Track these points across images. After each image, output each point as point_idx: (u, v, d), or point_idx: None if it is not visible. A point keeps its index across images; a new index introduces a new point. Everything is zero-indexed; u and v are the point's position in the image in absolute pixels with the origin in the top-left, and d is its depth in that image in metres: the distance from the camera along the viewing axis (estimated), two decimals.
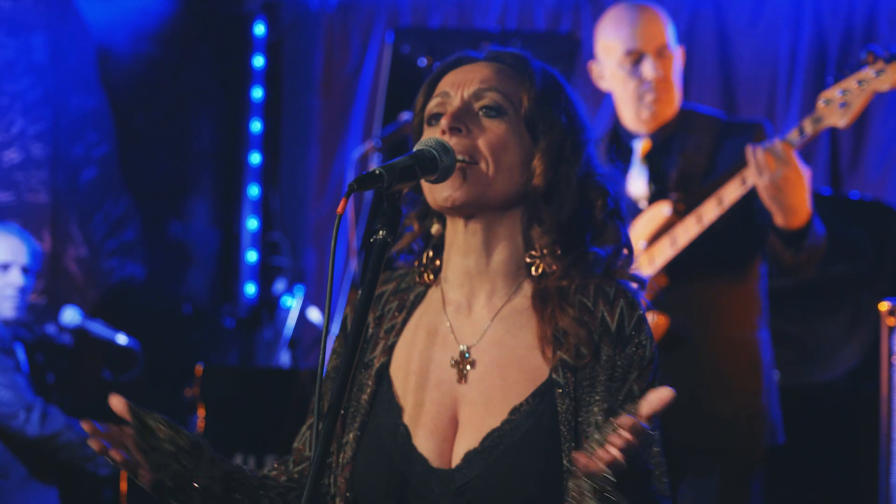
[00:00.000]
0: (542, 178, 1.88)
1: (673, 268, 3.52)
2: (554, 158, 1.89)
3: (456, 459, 1.84)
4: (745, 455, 3.53)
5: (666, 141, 3.61)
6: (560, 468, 1.78)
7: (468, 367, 1.88)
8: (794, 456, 4.12)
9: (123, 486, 4.68)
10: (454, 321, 1.92)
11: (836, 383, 4.63)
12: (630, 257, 1.95)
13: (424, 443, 1.86)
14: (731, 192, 3.44)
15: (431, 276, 1.97)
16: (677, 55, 3.64)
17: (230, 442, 4.79)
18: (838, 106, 3.29)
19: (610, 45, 3.65)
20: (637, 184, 3.65)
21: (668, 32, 3.62)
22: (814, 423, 4.45)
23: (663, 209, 3.55)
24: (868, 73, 3.29)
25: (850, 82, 3.30)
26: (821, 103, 3.32)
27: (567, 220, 1.89)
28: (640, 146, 3.65)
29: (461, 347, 1.90)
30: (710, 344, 3.51)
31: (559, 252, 1.89)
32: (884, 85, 3.28)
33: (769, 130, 3.56)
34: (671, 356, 3.50)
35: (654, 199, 3.60)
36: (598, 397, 1.82)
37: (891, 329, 3.69)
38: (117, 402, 1.86)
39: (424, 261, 1.97)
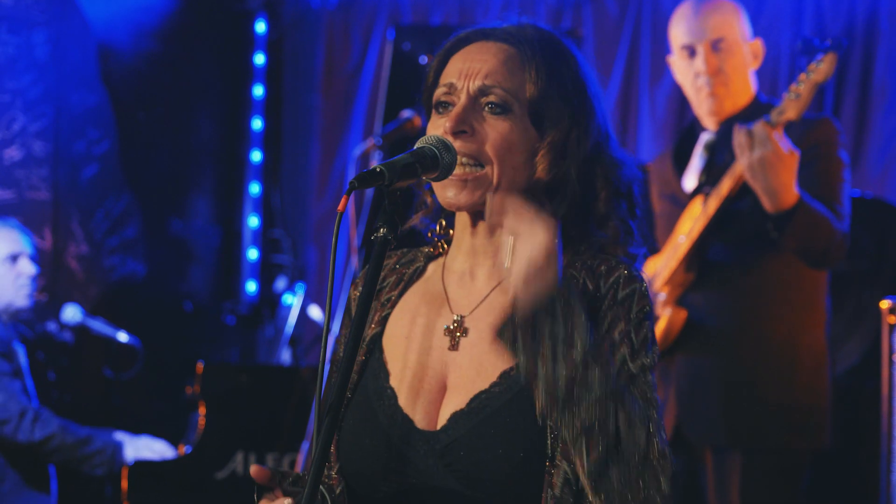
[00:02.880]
0: (545, 174, 1.88)
1: (711, 258, 3.54)
2: (558, 153, 1.88)
3: (442, 421, 1.84)
4: (799, 451, 3.53)
5: (728, 133, 3.62)
6: (546, 431, 1.78)
7: (460, 334, 1.89)
8: None
9: (124, 484, 4.68)
10: (453, 291, 1.94)
11: (837, 381, 4.62)
12: (629, 240, 1.93)
13: (410, 404, 1.86)
14: (725, 184, 3.46)
15: (445, 246, 1.99)
16: (746, 49, 3.64)
17: (231, 439, 4.79)
18: (794, 98, 3.32)
19: (672, 39, 3.72)
20: (691, 177, 3.68)
21: (733, 26, 3.62)
22: None
23: (699, 203, 3.58)
24: (813, 64, 3.32)
25: (804, 74, 3.34)
26: (785, 94, 3.36)
27: (565, 214, 1.89)
28: (705, 138, 3.67)
29: (455, 316, 1.90)
30: (751, 338, 3.52)
31: None
32: (820, 76, 3.32)
33: (837, 125, 3.57)
34: (723, 350, 3.52)
35: (697, 191, 3.62)
36: None
37: (891, 327, 3.69)
38: (257, 472, 1.80)
39: (439, 230, 1.98)
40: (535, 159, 1.88)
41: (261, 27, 6.65)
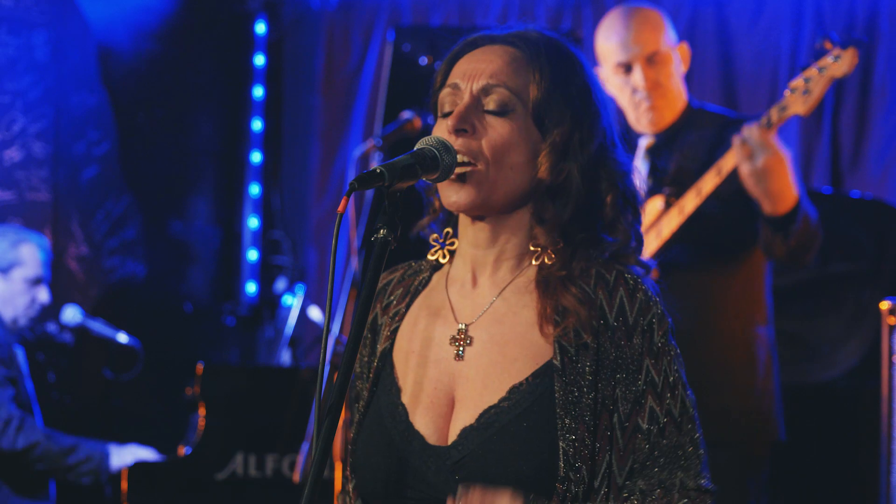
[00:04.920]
0: (547, 174, 1.87)
1: (671, 258, 3.54)
2: (560, 154, 1.88)
3: (452, 436, 1.84)
4: (740, 451, 3.54)
5: (669, 138, 3.62)
6: (556, 449, 1.78)
7: (466, 344, 1.89)
8: (794, 455, 4.13)
9: (124, 485, 4.68)
10: (455, 300, 1.94)
11: (837, 382, 4.63)
12: (639, 247, 1.94)
13: (421, 420, 1.87)
14: (708, 183, 3.47)
15: (446, 255, 1.99)
16: (676, 56, 3.63)
17: (231, 440, 4.79)
18: (801, 94, 3.32)
19: (603, 53, 3.67)
20: (636, 179, 3.68)
21: (663, 36, 3.60)
22: (814, 421, 4.45)
23: (657, 204, 3.58)
24: (827, 59, 3.31)
25: (812, 70, 3.33)
26: (787, 92, 3.36)
27: (570, 217, 1.89)
28: (644, 143, 3.67)
29: (460, 325, 1.90)
30: (708, 337, 3.52)
31: (560, 245, 1.88)
32: (839, 71, 3.30)
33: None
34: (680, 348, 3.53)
35: (650, 194, 3.62)
36: (596, 384, 1.82)
37: (891, 328, 3.70)
38: None
39: (444, 238, 1.98)
40: (538, 160, 1.88)
41: (261, 28, 6.65)
